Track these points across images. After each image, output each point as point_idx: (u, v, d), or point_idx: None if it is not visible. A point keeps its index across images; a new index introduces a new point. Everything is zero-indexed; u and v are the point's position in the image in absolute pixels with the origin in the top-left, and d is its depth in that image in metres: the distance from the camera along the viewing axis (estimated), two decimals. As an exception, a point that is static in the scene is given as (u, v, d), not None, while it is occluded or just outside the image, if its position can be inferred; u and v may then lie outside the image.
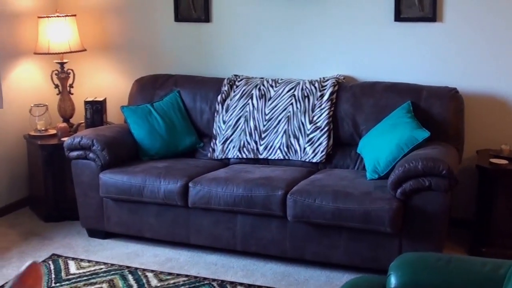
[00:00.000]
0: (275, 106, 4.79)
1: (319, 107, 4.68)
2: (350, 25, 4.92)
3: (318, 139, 4.62)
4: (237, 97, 4.92)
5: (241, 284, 4.04)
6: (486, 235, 4.32)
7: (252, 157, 4.77)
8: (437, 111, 4.43)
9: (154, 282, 4.08)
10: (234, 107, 4.90)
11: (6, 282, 4.08)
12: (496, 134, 4.66)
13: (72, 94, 5.47)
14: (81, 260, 4.42)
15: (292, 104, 4.75)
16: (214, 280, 4.10)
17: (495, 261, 2.34)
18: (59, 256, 4.49)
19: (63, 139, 4.98)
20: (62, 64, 5.39)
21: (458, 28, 4.66)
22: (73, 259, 4.44)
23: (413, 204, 3.89)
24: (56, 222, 5.09)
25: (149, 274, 4.18)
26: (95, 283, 4.07)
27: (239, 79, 5.03)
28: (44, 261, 4.40)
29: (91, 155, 4.62)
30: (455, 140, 4.43)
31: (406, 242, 3.94)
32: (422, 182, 3.83)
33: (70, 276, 4.17)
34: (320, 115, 4.65)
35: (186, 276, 4.16)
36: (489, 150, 4.56)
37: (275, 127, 4.76)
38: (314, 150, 4.62)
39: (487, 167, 4.27)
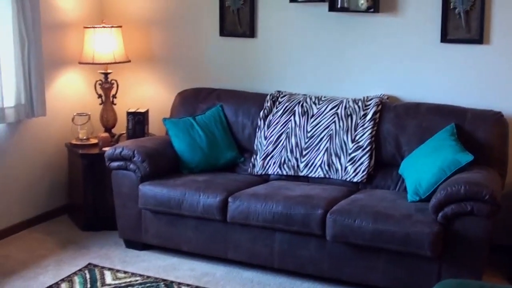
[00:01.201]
0: (318, 124, 4.77)
1: (361, 126, 4.65)
2: (396, 45, 4.88)
3: (360, 158, 4.59)
4: (279, 113, 4.92)
5: (277, 302, 4.02)
6: (528, 263, 4.24)
7: (293, 174, 4.75)
8: (481, 134, 4.37)
9: (189, 296, 4.08)
10: (276, 123, 4.89)
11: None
12: (541, 159, 4.58)
13: (115, 104, 5.52)
14: (117, 270, 4.44)
15: (334, 122, 4.73)
16: (250, 296, 4.09)
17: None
18: (95, 265, 4.51)
19: (104, 149, 5.02)
20: (106, 75, 5.45)
21: (505, 51, 4.59)
22: (109, 269, 4.46)
23: (454, 229, 3.83)
24: (94, 231, 5.12)
25: (185, 288, 4.19)
26: (131, 295, 4.08)
27: (282, 95, 5.02)
28: (80, 270, 4.43)
29: (131, 166, 4.64)
30: (499, 164, 4.37)
31: (446, 267, 3.87)
32: (464, 206, 3.77)
33: (106, 287, 4.19)
34: (363, 135, 4.62)
35: (222, 291, 4.16)
36: (533, 176, 4.48)
37: (316, 144, 4.73)
38: (355, 170, 4.58)
39: (531, 193, 4.20)
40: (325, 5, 4.97)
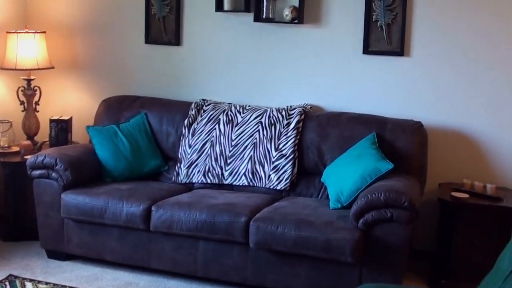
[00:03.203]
0: (242, 132, 4.80)
1: (285, 135, 4.70)
2: (320, 56, 4.97)
3: (283, 166, 4.64)
4: (204, 121, 4.93)
5: (200, 310, 4.02)
6: (445, 267, 4.35)
7: (217, 182, 4.77)
8: (401, 143, 4.48)
9: (112, 305, 4.03)
10: (201, 132, 4.90)
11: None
12: (459, 168, 4.73)
13: (37, 111, 5.42)
14: (39, 282, 4.35)
15: (258, 131, 4.77)
16: (173, 305, 4.07)
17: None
18: (16, 277, 4.42)
19: (26, 157, 4.92)
20: (29, 81, 5.35)
21: (424, 63, 4.73)
22: (30, 280, 4.37)
23: (375, 235, 3.92)
24: (15, 242, 5.01)
25: (108, 297, 4.14)
26: (52, 305, 4.02)
27: (206, 104, 5.04)
28: (0, 281, 4.32)
29: (53, 174, 4.57)
30: (418, 172, 4.49)
31: (366, 272, 3.95)
32: (384, 213, 3.86)
33: (27, 297, 4.12)
34: (286, 143, 4.67)
35: (145, 300, 4.13)
36: (451, 183, 4.62)
37: (241, 153, 4.77)
38: (278, 178, 4.63)
39: (449, 200, 4.32)
40: (251, 15, 5.01)
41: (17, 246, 4.94)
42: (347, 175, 4.25)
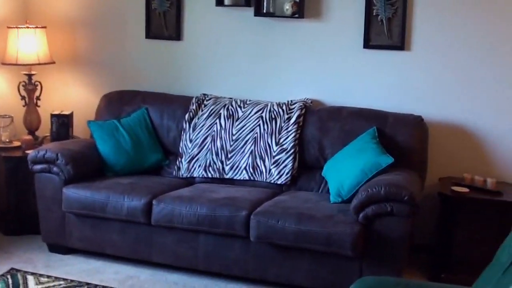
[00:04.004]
0: (243, 127, 4.81)
1: (286, 129, 4.71)
2: (320, 50, 4.97)
3: (284, 161, 4.65)
4: (204, 116, 4.94)
5: (201, 303, 4.04)
6: (446, 261, 4.37)
7: (218, 176, 4.78)
8: (402, 138, 4.49)
9: (113, 299, 4.05)
10: (202, 126, 4.91)
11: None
12: (459, 162, 4.73)
13: (38, 106, 5.43)
14: (41, 275, 4.37)
15: (259, 125, 4.78)
16: (174, 299, 4.08)
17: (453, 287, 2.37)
18: (18, 270, 4.43)
19: (27, 151, 4.93)
20: (30, 76, 5.36)
21: (425, 57, 4.74)
22: (32, 274, 4.38)
23: (375, 229, 3.93)
24: (17, 236, 5.02)
25: (109, 291, 4.15)
26: (53, 299, 4.03)
27: (207, 98, 5.04)
28: (2, 275, 4.34)
29: (55, 169, 4.58)
30: (419, 167, 4.49)
31: (367, 266, 3.97)
32: (384, 207, 3.87)
33: (29, 291, 4.13)
34: (287, 138, 4.68)
35: (147, 294, 4.14)
36: (452, 178, 4.63)
37: (241, 147, 4.78)
38: (279, 172, 4.65)
39: (449, 194, 4.33)
40: (251, 10, 5.02)
41: (18, 240, 4.96)
42: (347, 169, 4.26)
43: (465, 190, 4.36)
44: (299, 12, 4.90)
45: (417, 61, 4.76)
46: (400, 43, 4.76)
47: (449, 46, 4.68)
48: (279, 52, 5.07)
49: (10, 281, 4.26)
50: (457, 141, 4.74)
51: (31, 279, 4.29)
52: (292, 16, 4.92)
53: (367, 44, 4.84)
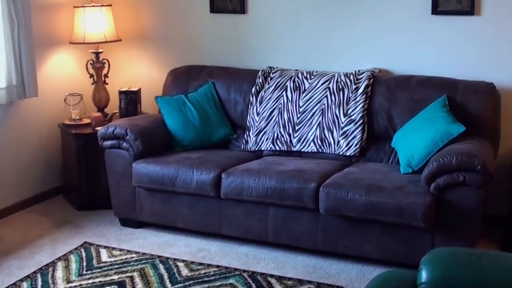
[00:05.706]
0: (310, 99, 4.77)
1: (353, 100, 4.65)
2: (387, 18, 4.87)
3: (352, 132, 4.59)
4: (271, 89, 4.91)
5: (271, 275, 4.04)
6: (520, 232, 4.27)
7: (286, 149, 4.76)
8: (473, 106, 4.37)
9: (185, 271, 4.09)
10: (268, 99, 4.89)
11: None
12: (533, 130, 4.59)
13: (107, 84, 5.51)
14: (113, 248, 4.46)
15: (326, 96, 4.73)
16: (244, 271, 4.10)
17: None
18: (91, 244, 4.53)
19: (97, 128, 5.01)
20: (97, 54, 5.43)
21: (496, 22, 4.59)
22: (105, 247, 4.48)
23: (447, 199, 3.85)
24: (89, 210, 5.14)
25: (180, 264, 4.20)
26: (126, 272, 4.10)
27: (273, 71, 5.02)
28: (76, 248, 4.45)
29: (124, 144, 4.64)
30: (491, 135, 4.37)
31: (439, 237, 3.90)
32: (456, 177, 3.78)
33: (102, 264, 4.21)
34: (355, 108, 4.62)
35: (217, 266, 4.17)
36: (526, 146, 4.50)
37: (309, 119, 4.74)
38: (348, 143, 4.59)
39: (524, 163, 4.22)
40: (316, -20, 4.96)
41: (91, 215, 5.07)
42: (417, 139, 4.18)
43: (541, 158, 4.23)
44: (365, -20, 4.81)
45: (487, 26, 4.62)
46: (469, 7, 4.62)
47: (522, 10, 4.52)
48: (345, 22, 5.00)
49: (83, 254, 4.36)
50: (531, 108, 4.60)
51: (103, 252, 4.39)
52: (357, -16, 4.84)
53: (435, 10, 4.71)
